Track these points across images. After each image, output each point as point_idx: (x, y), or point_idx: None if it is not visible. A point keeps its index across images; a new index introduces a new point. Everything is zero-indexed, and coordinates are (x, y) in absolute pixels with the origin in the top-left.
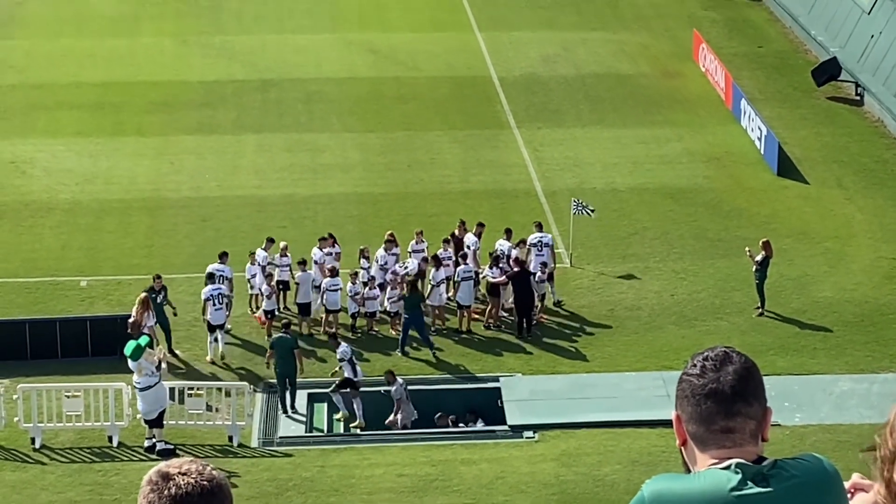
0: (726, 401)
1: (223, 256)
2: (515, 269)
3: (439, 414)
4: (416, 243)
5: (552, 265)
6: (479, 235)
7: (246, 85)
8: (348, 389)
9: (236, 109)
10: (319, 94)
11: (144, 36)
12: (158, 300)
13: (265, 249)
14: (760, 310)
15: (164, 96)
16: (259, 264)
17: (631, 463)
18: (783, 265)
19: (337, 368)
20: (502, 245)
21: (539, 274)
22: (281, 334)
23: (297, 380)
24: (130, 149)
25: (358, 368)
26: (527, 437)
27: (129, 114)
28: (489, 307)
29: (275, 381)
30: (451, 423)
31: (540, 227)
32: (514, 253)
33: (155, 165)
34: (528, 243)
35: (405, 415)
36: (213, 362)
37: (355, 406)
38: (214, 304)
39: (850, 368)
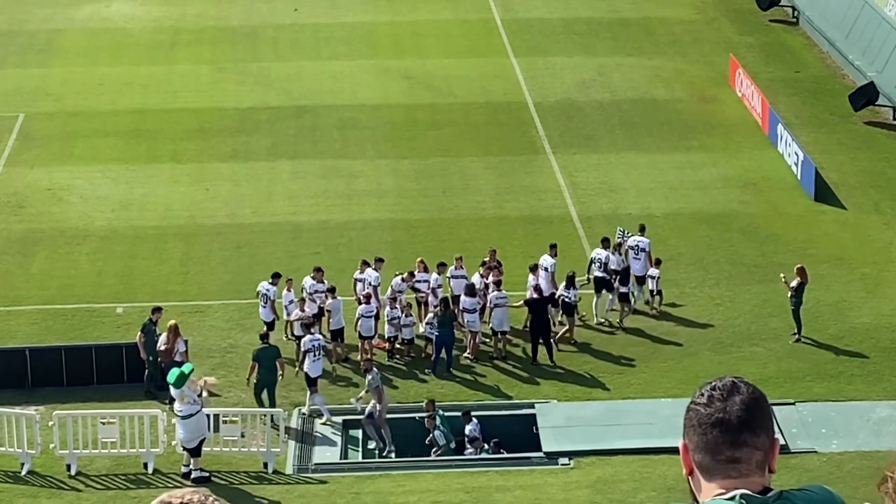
0: (732, 431)
1: (275, 277)
2: (535, 297)
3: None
4: (456, 269)
5: (643, 271)
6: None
7: (281, 112)
8: (371, 419)
9: (271, 136)
10: (354, 121)
11: (180, 63)
12: (157, 332)
13: (313, 279)
14: (797, 336)
15: (200, 123)
16: (307, 292)
17: (666, 490)
18: (820, 291)
19: (363, 393)
20: (599, 253)
21: (650, 270)
22: (264, 345)
23: (327, 407)
24: (166, 175)
25: (385, 396)
26: (562, 464)
27: (164, 141)
28: (565, 328)
29: (307, 407)
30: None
31: (642, 230)
32: (540, 280)
33: (190, 192)
34: (626, 245)
35: (385, 404)
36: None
37: (384, 432)
38: (314, 356)
39: (888, 395)
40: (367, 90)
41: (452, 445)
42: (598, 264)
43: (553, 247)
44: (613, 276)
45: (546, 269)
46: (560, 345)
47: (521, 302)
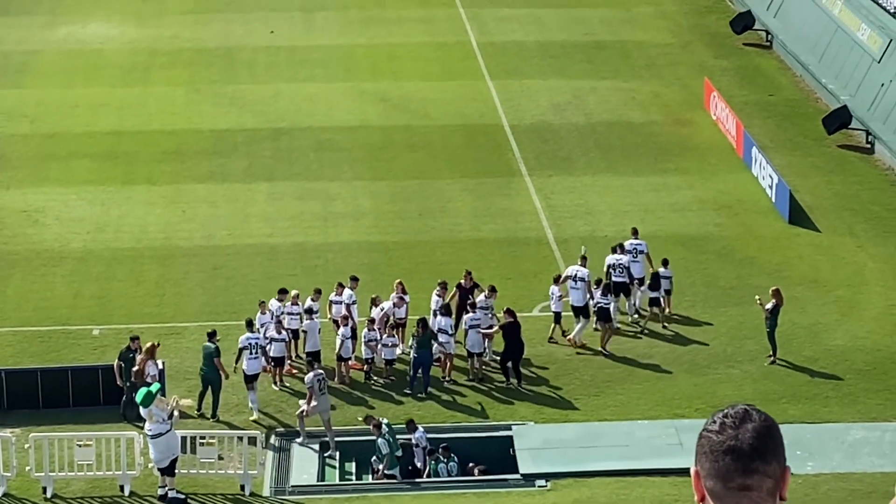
0: (744, 458)
1: (281, 293)
2: (508, 320)
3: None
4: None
5: (642, 273)
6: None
7: (257, 133)
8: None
9: (247, 158)
10: (330, 143)
11: (156, 85)
12: (135, 361)
13: (279, 300)
14: (773, 358)
15: (176, 145)
16: (273, 314)
17: None
18: (795, 313)
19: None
20: (619, 259)
21: (662, 270)
22: (205, 343)
23: (220, 391)
24: (142, 197)
25: (317, 398)
26: (539, 486)
27: (140, 163)
28: (602, 333)
29: (286, 427)
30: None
31: (636, 233)
32: (570, 291)
33: (166, 214)
34: (625, 249)
35: (319, 406)
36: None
37: (329, 436)
38: (251, 353)
39: (863, 417)
40: (343, 112)
41: (399, 454)
42: (619, 270)
43: (584, 258)
44: (635, 283)
45: (583, 280)
46: (607, 348)
47: (497, 327)
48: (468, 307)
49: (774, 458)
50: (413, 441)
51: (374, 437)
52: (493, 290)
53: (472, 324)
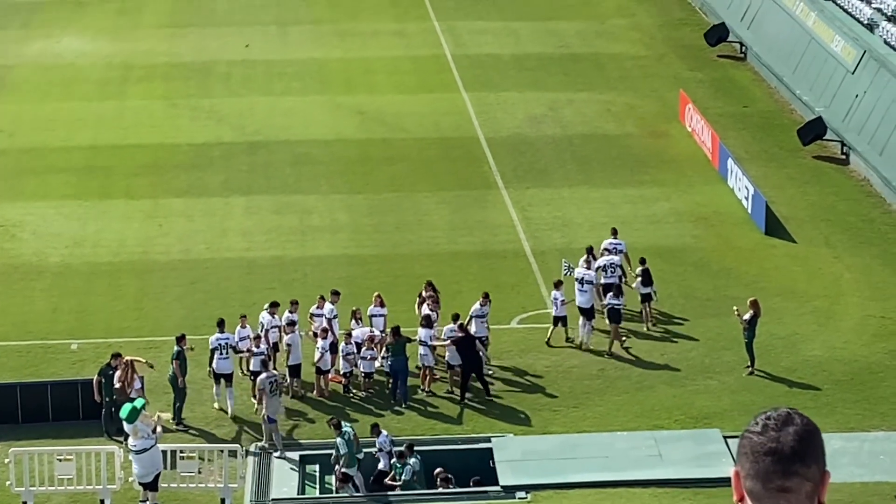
0: (785, 460)
1: (273, 306)
2: (460, 335)
3: (438, 470)
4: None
5: (620, 273)
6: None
7: (234, 147)
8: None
9: (224, 172)
10: (307, 156)
11: (133, 99)
12: (115, 378)
13: (270, 314)
14: (750, 369)
15: (153, 159)
16: (263, 327)
17: None
18: (772, 324)
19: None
20: (611, 259)
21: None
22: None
23: (184, 394)
24: (119, 212)
25: (268, 400)
26: (519, 498)
27: (117, 177)
28: (612, 335)
29: (265, 442)
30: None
31: (615, 234)
32: (578, 294)
33: (144, 228)
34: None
35: (270, 408)
36: (221, 409)
37: (275, 437)
38: (221, 353)
39: (841, 427)
40: (319, 126)
41: (360, 456)
42: (611, 269)
43: (589, 250)
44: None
45: (590, 283)
46: (623, 347)
47: (449, 342)
48: (424, 320)
49: (815, 462)
50: (377, 445)
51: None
52: (486, 297)
53: (450, 335)
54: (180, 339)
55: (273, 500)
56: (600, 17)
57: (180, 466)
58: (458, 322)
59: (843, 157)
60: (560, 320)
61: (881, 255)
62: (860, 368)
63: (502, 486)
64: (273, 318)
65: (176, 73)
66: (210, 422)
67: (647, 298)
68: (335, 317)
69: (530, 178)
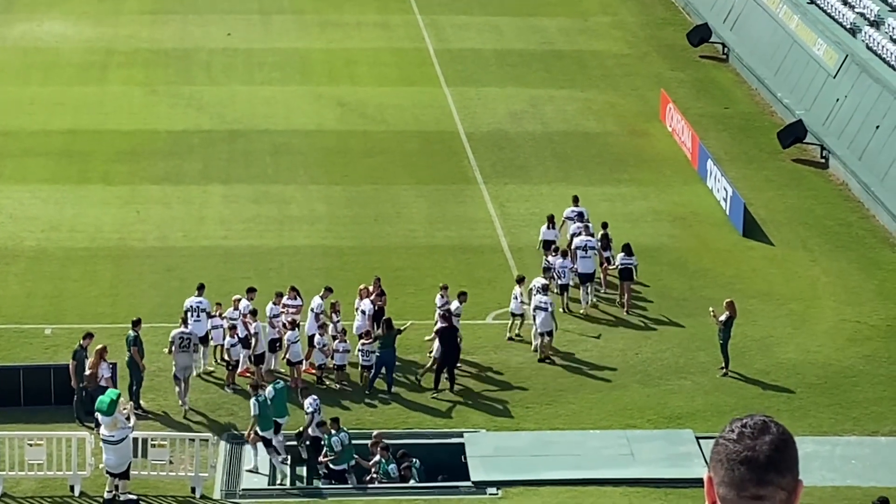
0: (760, 469)
1: (250, 291)
2: (442, 325)
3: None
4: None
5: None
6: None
7: (213, 135)
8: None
9: (203, 160)
10: (287, 146)
11: (113, 84)
12: (87, 358)
13: (275, 303)
14: (724, 370)
15: (132, 145)
16: (268, 316)
17: None
18: (747, 326)
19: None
20: (588, 241)
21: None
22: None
23: (142, 378)
24: (97, 197)
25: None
26: (490, 494)
27: (96, 162)
28: (622, 292)
29: (237, 431)
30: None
31: (576, 201)
32: (579, 259)
33: (121, 214)
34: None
35: (178, 363)
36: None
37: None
38: (194, 315)
39: (813, 430)
40: (300, 116)
41: (282, 421)
42: (588, 251)
43: (580, 216)
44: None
45: (593, 248)
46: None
47: (433, 333)
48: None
49: (789, 471)
50: (305, 407)
51: (326, 434)
52: (463, 295)
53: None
54: (136, 324)
55: (244, 490)
56: (583, 15)
57: (151, 454)
58: (444, 309)
59: (823, 160)
60: (518, 317)
61: (858, 259)
62: (834, 372)
63: (473, 482)
64: (249, 304)
65: (157, 59)
66: (181, 410)
67: (626, 275)
68: (322, 311)
69: (509, 173)
